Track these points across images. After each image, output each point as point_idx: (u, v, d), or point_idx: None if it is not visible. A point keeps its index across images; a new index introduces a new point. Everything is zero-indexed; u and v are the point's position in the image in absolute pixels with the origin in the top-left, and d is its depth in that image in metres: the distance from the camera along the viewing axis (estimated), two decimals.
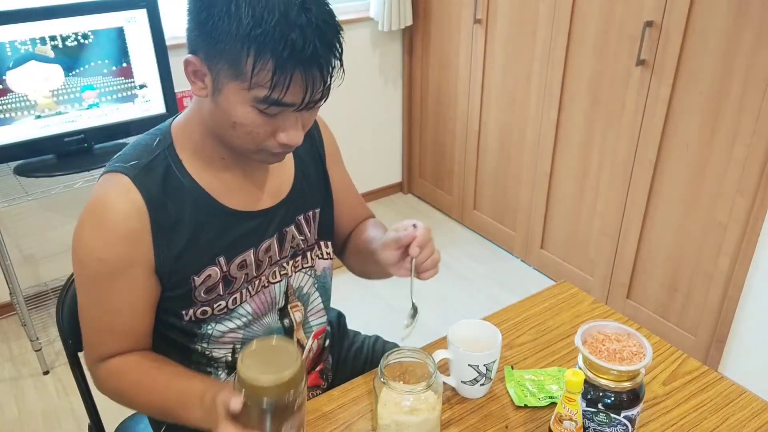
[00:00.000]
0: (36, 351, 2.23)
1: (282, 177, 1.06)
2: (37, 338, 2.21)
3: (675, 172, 2.10)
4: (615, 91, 2.21)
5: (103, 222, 0.91)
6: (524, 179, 2.70)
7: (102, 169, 0.99)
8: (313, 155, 1.12)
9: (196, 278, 0.97)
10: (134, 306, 0.97)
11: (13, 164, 2.15)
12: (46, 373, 2.25)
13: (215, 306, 1.01)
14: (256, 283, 1.04)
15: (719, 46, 1.87)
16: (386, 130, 3.31)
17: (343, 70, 0.88)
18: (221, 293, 1.00)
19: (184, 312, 1.00)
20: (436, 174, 3.24)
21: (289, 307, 1.11)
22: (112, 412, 1.30)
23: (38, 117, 2.04)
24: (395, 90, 3.23)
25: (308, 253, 1.11)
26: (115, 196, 0.92)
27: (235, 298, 1.02)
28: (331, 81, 0.86)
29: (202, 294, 0.99)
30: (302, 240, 1.09)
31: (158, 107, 2.26)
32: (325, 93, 0.87)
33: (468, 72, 2.80)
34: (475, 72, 2.76)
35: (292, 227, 1.07)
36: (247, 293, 1.03)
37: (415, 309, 1.07)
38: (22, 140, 2.04)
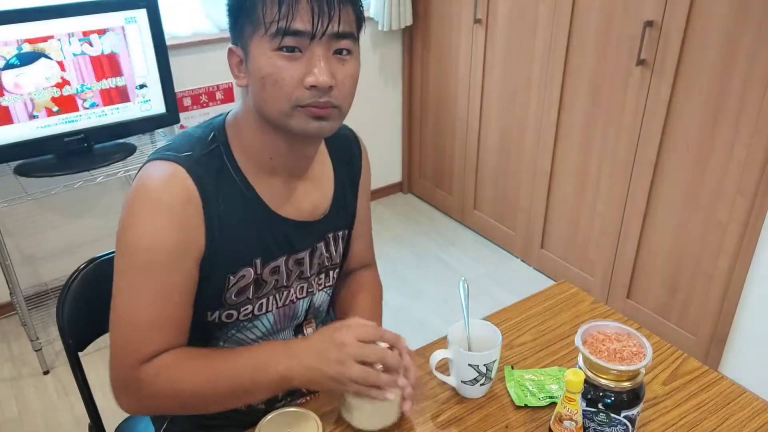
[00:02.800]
0: (36, 351, 2.23)
1: (323, 192, 1.07)
2: (37, 338, 2.21)
3: (675, 172, 2.10)
4: (615, 91, 2.21)
5: (159, 207, 0.89)
6: (524, 179, 2.70)
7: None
8: (351, 180, 1.13)
9: (231, 277, 0.97)
10: (183, 295, 0.93)
11: (13, 164, 2.16)
12: (46, 373, 2.25)
13: (242, 310, 1.00)
14: (285, 293, 1.05)
15: (719, 46, 1.87)
16: (386, 130, 3.31)
17: (362, 10, 0.92)
18: (250, 296, 1.00)
19: (209, 312, 0.99)
20: (436, 174, 3.24)
21: (304, 324, 1.12)
22: (112, 412, 1.30)
23: (38, 116, 2.05)
24: (395, 90, 3.23)
25: (331, 272, 1.13)
26: (171, 182, 0.90)
27: (262, 303, 1.02)
28: (340, 10, 0.86)
29: (233, 296, 0.98)
30: (327, 257, 1.10)
31: (158, 107, 2.26)
32: (342, 26, 0.87)
33: (468, 72, 2.80)
34: (475, 72, 2.76)
35: (322, 244, 1.08)
36: (274, 302, 1.04)
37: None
38: (22, 140, 2.04)
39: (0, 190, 2.14)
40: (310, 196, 1.05)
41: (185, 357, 0.93)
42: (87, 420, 1.24)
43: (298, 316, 1.09)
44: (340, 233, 1.12)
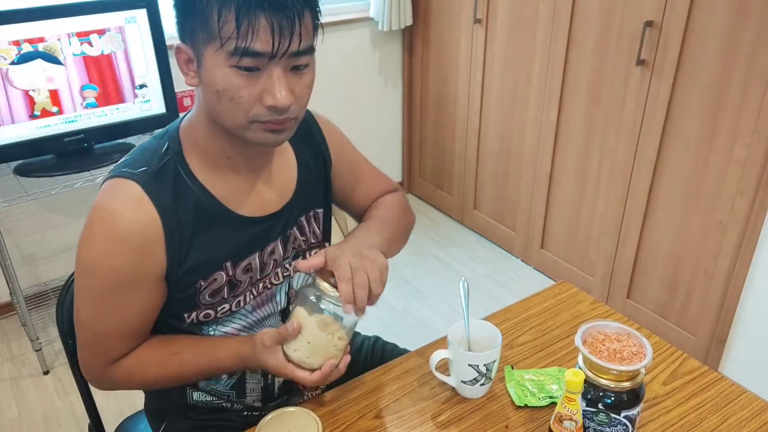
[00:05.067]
0: (36, 351, 2.23)
1: (286, 179, 1.06)
2: (37, 338, 2.21)
3: (675, 172, 2.10)
4: (615, 91, 2.21)
5: (117, 233, 0.88)
6: (524, 179, 2.70)
7: (103, 172, 0.97)
8: (316, 159, 1.11)
9: (202, 282, 0.97)
10: (144, 312, 0.96)
11: (13, 164, 2.15)
12: (46, 373, 2.25)
13: (219, 309, 1.00)
14: (260, 286, 1.04)
15: (719, 46, 1.87)
16: (386, 130, 3.31)
17: (321, 23, 0.89)
18: (225, 296, 1.00)
19: (186, 315, 0.99)
20: (436, 174, 3.24)
21: (290, 307, 1.11)
22: (111, 412, 1.31)
23: (38, 116, 2.04)
24: (395, 90, 3.24)
25: (308, 254, 1.11)
26: (129, 206, 0.89)
27: (239, 300, 1.02)
28: (301, 27, 0.84)
29: (207, 297, 0.98)
30: (303, 240, 1.09)
31: (158, 107, 2.26)
32: (302, 44, 0.84)
33: (468, 72, 2.80)
34: (475, 72, 2.76)
35: (295, 229, 1.07)
36: (251, 296, 1.03)
37: None
38: (22, 140, 2.04)
39: (0, 190, 2.14)
40: (273, 186, 1.03)
41: (151, 356, 1.00)
42: (87, 420, 1.24)
43: (278, 301, 1.08)
44: (311, 213, 1.10)
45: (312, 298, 0.93)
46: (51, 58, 2.02)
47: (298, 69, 0.87)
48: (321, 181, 1.12)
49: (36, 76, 2.01)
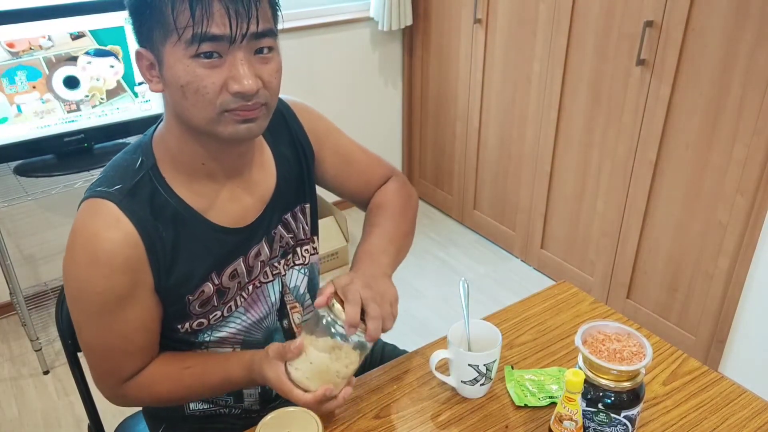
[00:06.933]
0: (36, 351, 2.23)
1: (266, 179, 1.03)
2: (37, 338, 2.21)
3: (675, 172, 2.10)
4: (615, 91, 2.21)
5: (98, 256, 0.87)
6: (524, 179, 2.70)
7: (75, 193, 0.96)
8: (294, 150, 1.08)
9: (190, 297, 0.97)
10: (145, 325, 0.95)
11: (13, 164, 2.15)
12: (46, 373, 2.25)
13: (211, 317, 1.00)
14: (250, 288, 1.03)
15: (719, 46, 1.87)
16: (386, 130, 3.31)
17: (279, 7, 0.89)
18: (216, 304, 1.00)
19: (179, 326, 0.99)
20: (436, 174, 3.24)
21: (288, 308, 1.10)
22: (111, 413, 1.31)
23: (38, 116, 2.04)
24: (395, 90, 3.24)
25: (299, 249, 1.10)
26: (106, 226, 0.88)
27: (230, 306, 1.02)
28: (257, 10, 0.82)
29: (197, 308, 0.98)
30: (291, 237, 1.08)
31: (158, 107, 2.26)
32: (261, 26, 0.83)
33: (468, 72, 2.80)
34: (475, 72, 2.76)
35: (279, 227, 1.05)
36: (242, 299, 1.03)
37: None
38: (22, 140, 2.04)
39: (0, 190, 2.14)
40: (252, 189, 1.01)
41: (163, 372, 1.00)
42: (87, 420, 1.24)
43: (274, 302, 1.07)
44: (298, 209, 1.08)
45: (323, 321, 0.92)
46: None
47: (262, 53, 0.86)
48: (303, 174, 1.09)
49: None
